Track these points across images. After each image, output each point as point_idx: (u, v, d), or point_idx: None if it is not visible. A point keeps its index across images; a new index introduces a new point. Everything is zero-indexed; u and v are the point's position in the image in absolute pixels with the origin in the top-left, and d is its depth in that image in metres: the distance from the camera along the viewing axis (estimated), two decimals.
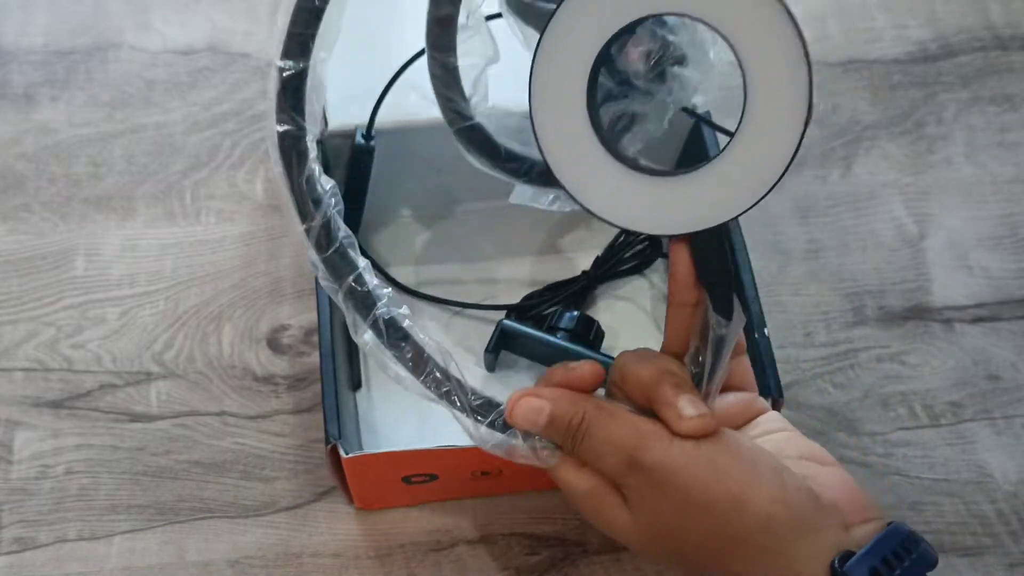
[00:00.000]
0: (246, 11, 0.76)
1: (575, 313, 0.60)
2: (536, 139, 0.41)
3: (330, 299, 0.54)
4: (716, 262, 0.41)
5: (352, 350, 0.61)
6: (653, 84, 0.47)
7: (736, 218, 0.40)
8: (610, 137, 0.42)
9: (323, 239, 0.44)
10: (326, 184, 0.44)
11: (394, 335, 0.44)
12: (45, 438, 0.59)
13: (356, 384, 0.60)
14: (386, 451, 0.52)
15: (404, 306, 0.45)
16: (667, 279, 0.44)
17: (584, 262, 0.65)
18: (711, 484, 0.40)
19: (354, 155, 0.59)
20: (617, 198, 0.41)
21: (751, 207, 0.39)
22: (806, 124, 0.37)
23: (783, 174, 0.38)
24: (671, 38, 0.45)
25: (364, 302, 0.44)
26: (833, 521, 0.40)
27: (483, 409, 0.45)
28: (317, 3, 0.43)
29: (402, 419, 0.60)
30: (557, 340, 0.59)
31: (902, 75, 0.75)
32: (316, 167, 0.44)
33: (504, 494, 0.58)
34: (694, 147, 0.63)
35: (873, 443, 0.61)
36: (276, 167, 0.44)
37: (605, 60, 0.40)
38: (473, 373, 0.61)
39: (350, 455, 0.50)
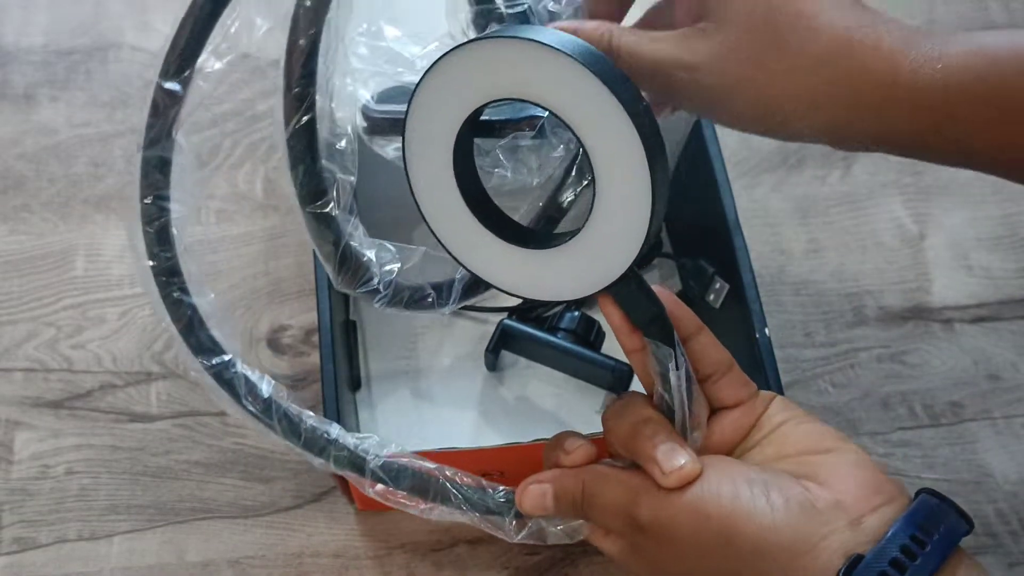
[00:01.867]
0: (244, 14, 0.76)
1: (576, 313, 0.60)
2: (423, 218, 0.43)
3: (330, 298, 0.55)
4: (640, 304, 0.41)
5: (352, 350, 0.61)
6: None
7: (629, 271, 0.40)
8: (488, 212, 0.42)
9: (291, 432, 0.46)
10: (264, 384, 0.46)
11: (395, 477, 0.46)
12: (45, 438, 0.59)
13: (356, 384, 0.60)
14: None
15: (392, 445, 0.46)
16: (665, 281, 0.44)
17: None
18: (699, 529, 0.40)
19: None
20: (512, 273, 0.41)
21: (609, 285, 0.39)
22: (655, 191, 0.36)
23: (636, 258, 0.38)
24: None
25: (356, 464, 0.46)
26: (837, 524, 0.39)
27: (503, 506, 0.46)
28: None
29: (402, 419, 0.60)
30: (558, 340, 0.59)
31: None
32: (245, 375, 0.46)
33: None
34: (696, 145, 0.63)
35: (873, 443, 0.61)
36: (226, 403, 0.47)
37: (466, 139, 0.40)
38: (473, 374, 0.61)
39: None
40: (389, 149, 0.49)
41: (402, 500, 0.46)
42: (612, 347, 0.62)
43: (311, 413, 0.47)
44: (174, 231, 0.44)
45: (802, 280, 0.67)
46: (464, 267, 0.43)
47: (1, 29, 0.74)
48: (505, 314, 0.62)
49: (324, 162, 0.47)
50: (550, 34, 0.36)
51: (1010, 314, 0.66)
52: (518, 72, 0.37)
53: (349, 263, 0.48)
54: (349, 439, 0.46)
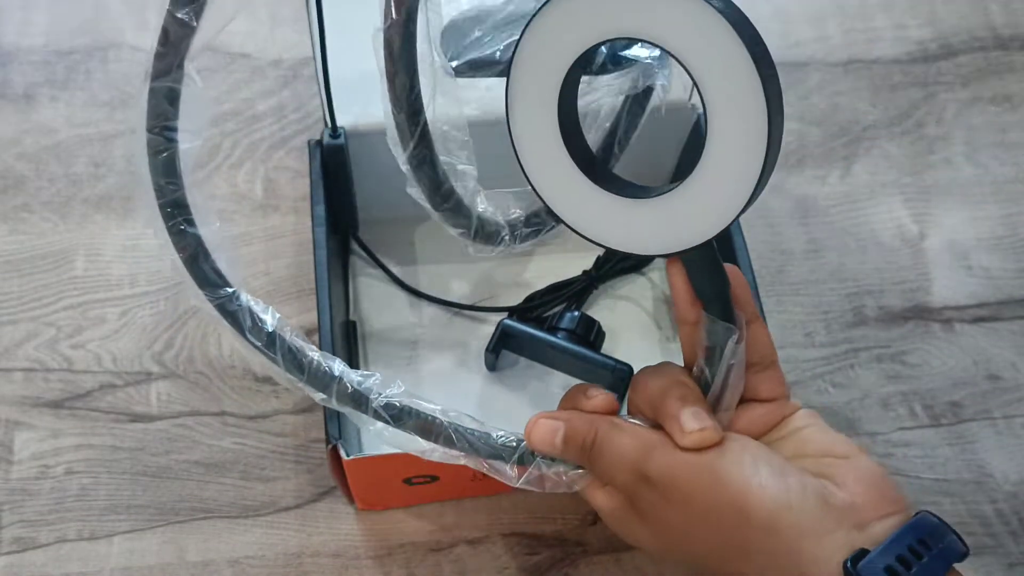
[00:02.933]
0: (246, 11, 0.76)
1: (576, 313, 0.60)
2: (519, 164, 0.42)
3: (330, 298, 0.55)
4: (709, 276, 0.41)
5: (352, 350, 0.61)
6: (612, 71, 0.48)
7: (710, 240, 0.39)
8: (587, 157, 0.42)
9: (295, 367, 0.45)
10: (269, 317, 0.46)
11: (397, 416, 0.45)
12: (45, 438, 0.59)
13: None
14: (388, 453, 0.52)
15: (396, 382, 0.46)
16: (665, 281, 0.44)
17: (585, 262, 0.65)
18: (713, 492, 0.40)
19: (325, 155, 0.59)
20: (598, 220, 0.41)
21: (722, 230, 0.38)
22: (769, 148, 0.36)
23: (751, 199, 0.37)
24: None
25: (359, 401, 0.45)
26: (845, 522, 0.40)
27: (506, 449, 0.45)
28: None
29: None
30: (558, 340, 0.59)
31: (902, 75, 0.75)
32: (253, 309, 0.45)
33: (504, 493, 0.58)
34: (695, 146, 0.62)
35: (873, 443, 0.61)
36: (229, 334, 0.46)
37: (572, 79, 0.40)
38: (473, 374, 0.61)
39: (352, 457, 0.50)
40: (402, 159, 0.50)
41: (403, 440, 0.46)
42: (612, 347, 0.62)
43: (315, 348, 0.46)
44: (180, 163, 0.43)
45: (802, 280, 0.67)
46: (555, 213, 0.42)
47: (1, 29, 0.74)
48: (505, 314, 0.62)
49: (443, 157, 0.48)
50: None
51: (1010, 314, 0.66)
52: (640, 11, 0.36)
53: (482, 231, 0.51)
54: (353, 376, 0.45)
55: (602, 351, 0.60)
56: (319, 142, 0.60)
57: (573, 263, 0.65)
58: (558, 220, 0.42)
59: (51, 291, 0.64)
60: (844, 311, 0.65)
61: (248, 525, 0.57)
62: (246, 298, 0.45)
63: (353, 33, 0.61)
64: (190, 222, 0.44)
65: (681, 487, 0.41)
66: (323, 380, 0.45)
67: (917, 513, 0.41)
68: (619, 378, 0.58)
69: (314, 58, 0.57)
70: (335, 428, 0.50)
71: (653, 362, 0.62)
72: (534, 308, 0.63)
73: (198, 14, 0.41)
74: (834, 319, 0.65)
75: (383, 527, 0.57)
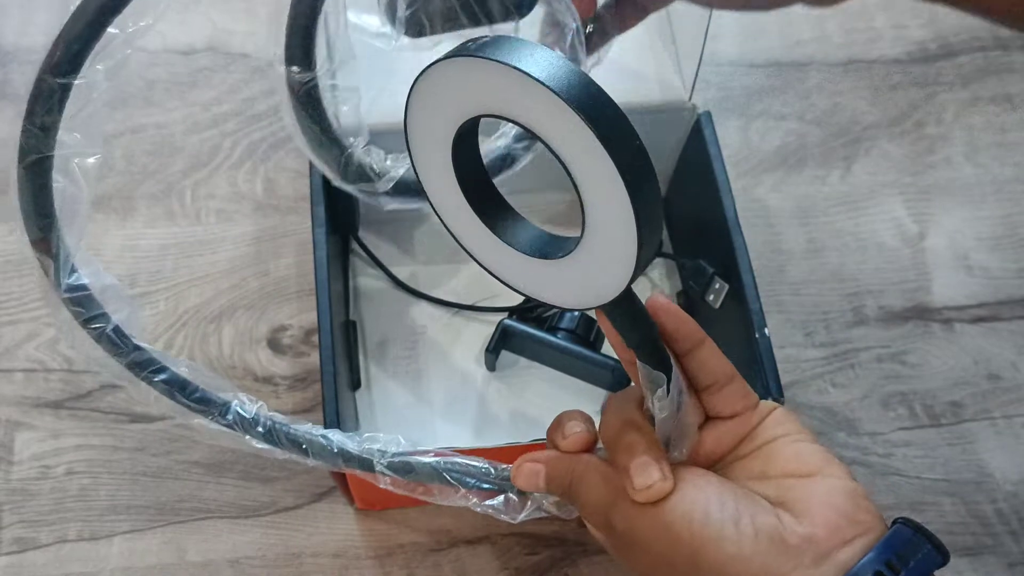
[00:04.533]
0: (246, 11, 0.76)
1: (576, 313, 0.60)
2: (438, 216, 0.42)
3: (330, 298, 0.55)
4: (631, 325, 0.41)
5: (352, 350, 0.61)
6: None
7: (618, 295, 0.38)
8: (495, 213, 0.41)
9: (296, 450, 0.47)
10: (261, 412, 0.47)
11: (404, 472, 0.46)
12: (45, 438, 0.59)
13: (356, 384, 0.60)
14: None
15: (398, 438, 0.47)
16: (668, 277, 0.44)
17: None
18: (668, 547, 0.40)
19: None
20: (514, 272, 0.41)
21: (617, 296, 0.38)
22: (640, 249, 0.35)
23: (626, 286, 0.37)
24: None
25: (364, 464, 0.46)
26: (805, 559, 0.38)
27: (506, 484, 0.46)
28: None
29: (402, 419, 0.60)
30: (558, 340, 0.59)
31: (902, 75, 0.75)
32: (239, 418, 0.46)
33: None
34: (696, 145, 0.63)
35: (873, 443, 0.61)
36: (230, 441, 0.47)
37: (464, 145, 0.39)
38: (473, 374, 0.61)
39: None
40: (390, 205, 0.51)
41: (415, 492, 0.47)
42: (611, 347, 0.62)
43: (306, 424, 0.47)
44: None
45: (802, 280, 0.67)
46: (476, 260, 0.42)
47: (1, 29, 0.74)
48: (505, 314, 0.62)
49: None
50: (531, 57, 0.34)
51: (1010, 314, 0.66)
52: (502, 94, 0.35)
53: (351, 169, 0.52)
54: (350, 444, 0.46)
55: (602, 351, 0.60)
56: None
57: None
58: (478, 263, 0.42)
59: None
60: (844, 311, 0.65)
61: (248, 525, 0.57)
62: (235, 405, 0.46)
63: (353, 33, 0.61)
64: (162, 370, 0.46)
65: (639, 541, 0.41)
66: (326, 455, 0.47)
67: (893, 524, 0.40)
68: (619, 378, 0.58)
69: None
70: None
71: None
72: (534, 308, 0.63)
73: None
74: (834, 319, 0.65)
75: (383, 527, 0.57)
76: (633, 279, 0.37)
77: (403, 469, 0.46)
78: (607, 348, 0.61)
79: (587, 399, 0.60)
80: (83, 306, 0.44)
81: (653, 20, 0.65)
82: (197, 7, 0.75)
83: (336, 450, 0.46)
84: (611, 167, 0.34)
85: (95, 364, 0.45)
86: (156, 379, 0.46)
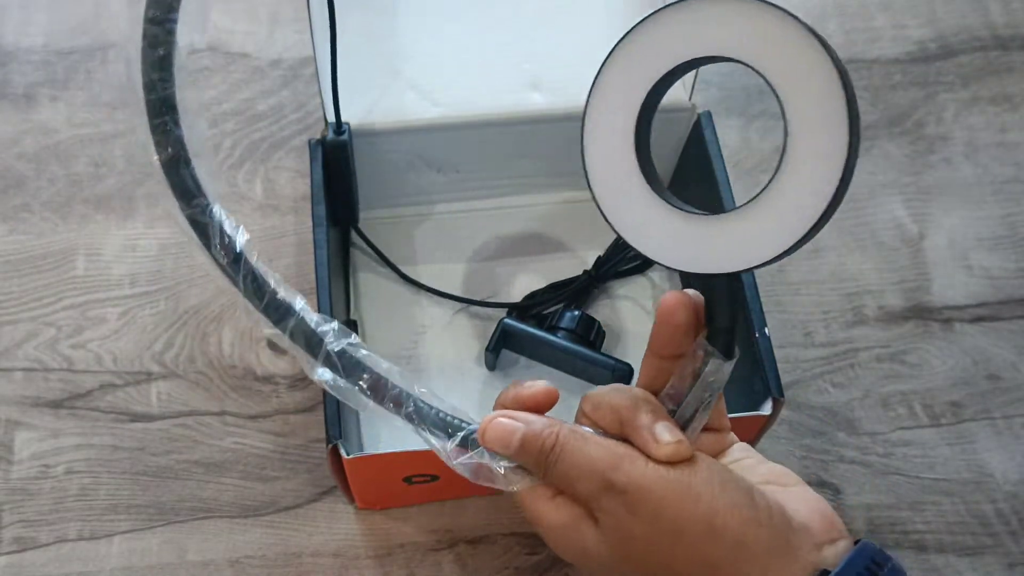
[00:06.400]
0: (246, 11, 0.76)
1: (576, 313, 0.60)
2: (588, 183, 0.42)
3: (330, 297, 0.55)
4: (729, 305, 0.41)
5: None
6: None
7: (778, 259, 0.39)
8: (657, 180, 0.42)
9: (254, 292, 0.43)
10: (239, 237, 0.44)
11: (349, 367, 0.43)
12: (45, 438, 0.59)
13: None
14: (388, 452, 0.52)
15: (353, 335, 0.44)
16: (669, 279, 0.44)
17: (586, 261, 0.65)
18: (684, 507, 0.40)
19: (327, 152, 0.59)
20: (671, 242, 0.41)
21: (791, 250, 0.38)
22: (847, 162, 0.36)
23: (828, 211, 0.37)
24: None
25: (311, 341, 0.43)
26: (807, 541, 0.40)
27: (451, 426, 0.44)
28: None
29: None
30: (558, 339, 0.59)
31: (902, 75, 0.75)
32: (223, 226, 0.43)
33: (504, 494, 0.58)
34: (696, 145, 0.63)
35: (873, 443, 0.61)
36: (192, 243, 0.44)
37: (651, 102, 0.41)
38: (473, 374, 0.61)
39: (351, 456, 0.50)
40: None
41: (348, 393, 0.44)
42: (612, 347, 0.62)
43: (280, 278, 0.44)
44: (176, 60, 0.41)
45: (802, 280, 0.67)
46: (631, 244, 0.42)
47: (1, 29, 0.74)
48: (505, 311, 0.62)
49: None
50: None
51: (1010, 314, 0.66)
52: (729, 31, 0.38)
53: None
54: (313, 316, 0.44)
55: (602, 351, 0.60)
56: (319, 141, 0.60)
57: (574, 262, 0.65)
58: (629, 247, 0.42)
59: (51, 291, 0.64)
60: (844, 311, 0.65)
61: (248, 525, 0.57)
62: (219, 212, 0.43)
63: (353, 33, 0.62)
64: (176, 123, 0.42)
65: (651, 499, 0.40)
66: (280, 312, 0.43)
67: (857, 541, 0.41)
68: (619, 378, 0.58)
69: (315, 57, 0.57)
70: (336, 428, 0.50)
71: None
72: (534, 306, 0.63)
73: None
74: (834, 319, 0.65)
75: (383, 527, 0.57)
76: (825, 218, 0.37)
77: (349, 366, 0.44)
78: (607, 348, 0.61)
79: None
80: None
81: None
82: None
83: (297, 309, 0.43)
84: (840, 100, 0.35)
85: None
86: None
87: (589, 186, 0.42)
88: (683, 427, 0.43)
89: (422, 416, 0.44)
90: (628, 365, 0.58)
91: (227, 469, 0.59)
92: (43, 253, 0.65)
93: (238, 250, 0.44)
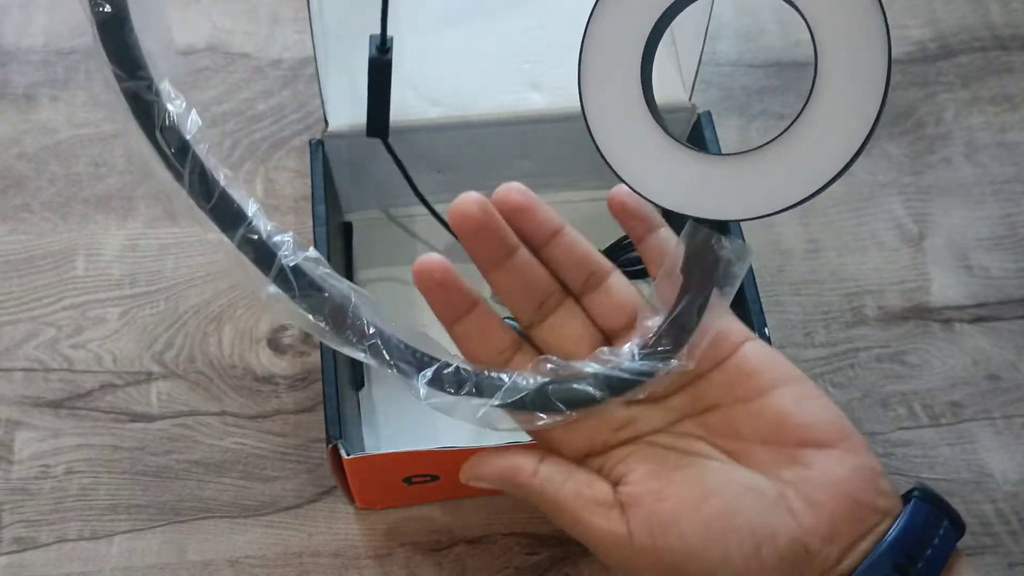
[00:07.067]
0: (246, 11, 0.76)
1: None
2: (588, 126, 0.39)
3: None
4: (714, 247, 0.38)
5: None
6: None
7: (808, 199, 0.36)
8: (662, 121, 0.39)
9: (201, 190, 0.38)
10: (189, 126, 0.38)
11: (304, 284, 0.38)
12: (45, 438, 0.59)
13: (358, 383, 0.60)
14: (388, 452, 0.52)
15: (312, 248, 0.39)
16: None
17: None
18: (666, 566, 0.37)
19: (372, 68, 0.57)
20: (684, 187, 0.37)
21: (821, 189, 0.36)
22: (884, 96, 0.34)
23: (864, 142, 0.35)
24: None
25: (261, 253, 0.38)
26: (828, 561, 0.36)
27: (421, 362, 0.40)
28: None
29: (404, 419, 0.60)
30: None
31: (902, 75, 0.75)
32: (169, 108, 0.37)
33: (504, 494, 0.58)
34: (696, 144, 0.62)
35: (873, 443, 0.61)
36: (129, 127, 0.38)
37: (656, 35, 0.38)
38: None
39: (352, 456, 0.50)
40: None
41: (303, 316, 0.39)
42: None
43: (232, 176, 0.39)
44: None
45: (802, 280, 0.67)
46: (642, 194, 0.39)
47: (1, 29, 0.74)
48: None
49: None
50: None
51: (1010, 314, 0.66)
52: None
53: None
54: (267, 225, 0.39)
55: None
56: (320, 141, 0.60)
57: None
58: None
59: (51, 291, 0.64)
60: (844, 311, 0.65)
61: (248, 525, 0.57)
62: (168, 90, 0.37)
63: (353, 33, 0.62)
64: None
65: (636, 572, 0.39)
66: (230, 217, 0.38)
67: (908, 497, 0.38)
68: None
69: (315, 57, 0.57)
70: (336, 428, 0.50)
71: None
72: None
73: None
74: (834, 319, 0.65)
75: (383, 527, 0.57)
76: (861, 150, 0.35)
77: (304, 284, 0.39)
78: None
79: None
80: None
81: None
82: (197, 7, 0.75)
83: (249, 215, 0.39)
84: (880, 24, 0.34)
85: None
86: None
87: (587, 126, 0.39)
88: (674, 343, 0.38)
89: (390, 349, 0.39)
90: None
91: (227, 469, 0.59)
92: (43, 253, 0.65)
93: (186, 138, 0.37)
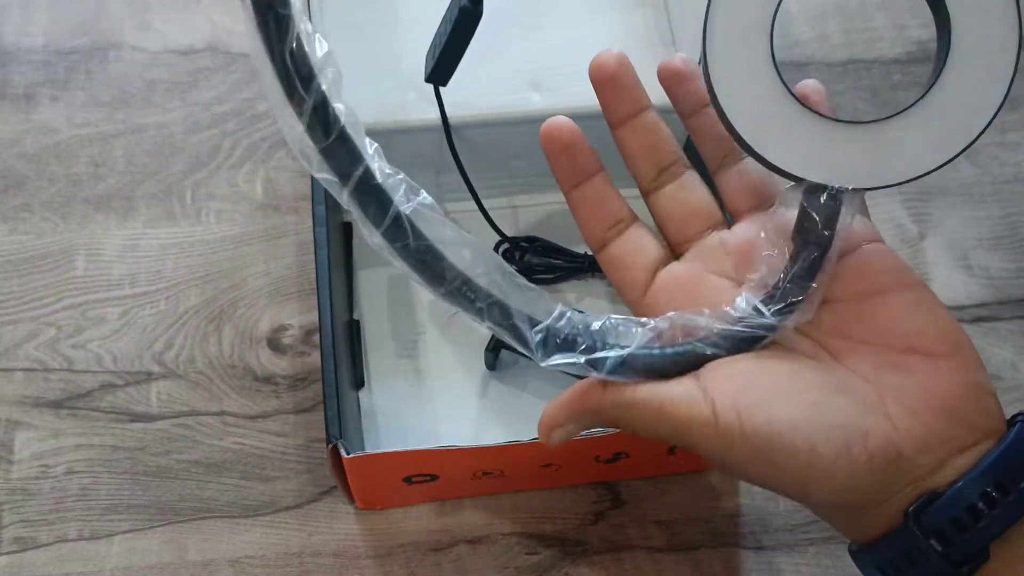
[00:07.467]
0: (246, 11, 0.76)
1: None
2: (715, 100, 0.38)
3: (331, 298, 0.55)
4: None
5: (355, 349, 0.61)
6: None
7: (943, 166, 0.36)
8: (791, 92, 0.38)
9: (318, 124, 0.35)
10: (318, 49, 0.35)
11: (417, 235, 0.36)
12: (45, 438, 0.59)
13: (359, 383, 0.60)
14: (388, 451, 0.52)
15: (425, 195, 0.37)
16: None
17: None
18: (768, 478, 0.36)
19: (459, 16, 0.56)
20: (818, 153, 0.37)
21: (962, 151, 0.36)
22: (1019, 54, 0.34)
23: (994, 115, 0.35)
24: None
25: (379, 199, 0.36)
26: (920, 471, 0.35)
27: (532, 321, 0.38)
28: None
29: (404, 418, 0.60)
30: None
31: (902, 75, 0.75)
32: (304, 27, 0.34)
33: (504, 493, 0.58)
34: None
35: None
36: (250, 34, 0.35)
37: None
38: (473, 374, 0.61)
39: (351, 455, 0.50)
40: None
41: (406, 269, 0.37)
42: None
43: (352, 114, 0.36)
44: None
45: None
46: (774, 165, 0.38)
47: (1, 29, 0.74)
48: None
49: None
50: None
51: (1010, 314, 0.66)
52: None
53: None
54: (384, 167, 0.37)
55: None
56: None
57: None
58: (765, 163, 0.37)
59: (51, 291, 0.64)
60: None
61: (248, 525, 0.57)
62: (301, 7, 0.34)
63: (353, 33, 0.62)
64: None
65: (727, 464, 0.37)
66: (347, 160, 0.35)
67: (1015, 419, 0.36)
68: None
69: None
70: (336, 428, 0.50)
71: None
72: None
73: None
74: None
75: (383, 527, 0.57)
76: (999, 109, 0.35)
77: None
78: None
79: None
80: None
81: (653, 20, 0.65)
82: (197, 7, 0.75)
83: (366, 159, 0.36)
84: None
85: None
86: None
87: (713, 95, 0.37)
88: (798, 294, 0.37)
89: (502, 319, 0.37)
90: None
91: (227, 469, 0.59)
92: (43, 253, 0.65)
93: (313, 68, 0.34)
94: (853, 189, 0.37)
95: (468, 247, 0.37)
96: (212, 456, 0.59)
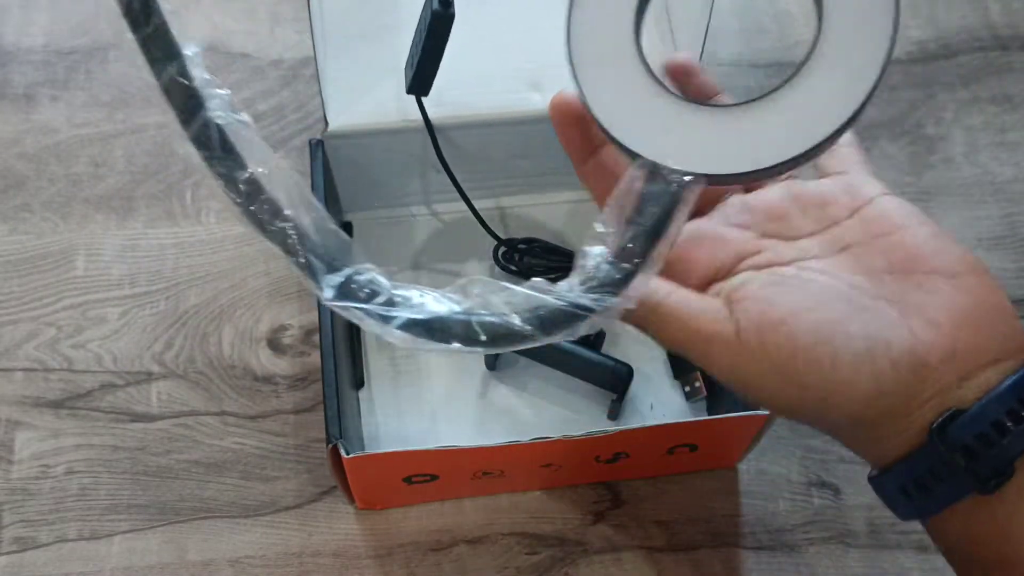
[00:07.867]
0: (246, 11, 0.76)
1: None
2: (576, 81, 0.37)
3: None
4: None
5: (355, 349, 0.61)
6: None
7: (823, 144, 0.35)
8: (656, 75, 0.37)
9: (139, 10, 0.33)
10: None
11: (225, 147, 0.34)
12: (45, 438, 0.59)
13: (359, 383, 0.60)
14: (388, 451, 0.52)
15: (244, 113, 0.35)
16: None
17: None
18: (790, 394, 0.36)
19: (432, 21, 0.56)
20: (665, 134, 0.35)
21: (832, 135, 0.34)
22: (893, 39, 0.33)
23: (865, 100, 0.33)
24: None
25: (188, 101, 0.34)
26: (945, 381, 0.35)
27: (331, 264, 0.36)
28: None
29: (404, 418, 0.60)
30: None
31: (902, 75, 0.75)
32: None
33: (504, 493, 0.58)
34: None
35: None
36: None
37: None
38: (473, 374, 0.61)
39: (351, 455, 0.50)
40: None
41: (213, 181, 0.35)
42: (612, 347, 0.62)
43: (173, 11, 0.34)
44: None
45: None
46: (640, 154, 0.36)
47: (1, 29, 0.74)
48: None
49: None
50: None
51: None
52: None
53: None
54: (202, 73, 0.35)
55: (602, 351, 0.60)
56: (320, 141, 0.60)
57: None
58: (631, 154, 0.36)
59: (51, 291, 0.64)
60: None
61: (248, 525, 0.57)
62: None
63: (352, 33, 0.62)
64: None
65: (744, 386, 0.36)
66: (162, 50, 0.34)
67: None
68: (619, 378, 0.58)
69: (315, 57, 0.57)
70: (336, 428, 0.50)
71: (653, 362, 0.62)
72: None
73: None
74: None
75: (383, 527, 0.57)
76: (873, 91, 0.33)
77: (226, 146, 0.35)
78: (606, 348, 0.61)
79: (587, 398, 0.60)
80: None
81: (653, 20, 0.65)
82: (197, 7, 0.75)
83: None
84: None
85: None
86: None
87: (576, 83, 0.37)
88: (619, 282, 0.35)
89: (302, 240, 0.35)
90: (628, 366, 0.58)
91: (227, 469, 0.59)
92: (43, 253, 0.65)
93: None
94: (694, 174, 0.35)
95: (283, 174, 0.35)
96: (212, 456, 0.59)
